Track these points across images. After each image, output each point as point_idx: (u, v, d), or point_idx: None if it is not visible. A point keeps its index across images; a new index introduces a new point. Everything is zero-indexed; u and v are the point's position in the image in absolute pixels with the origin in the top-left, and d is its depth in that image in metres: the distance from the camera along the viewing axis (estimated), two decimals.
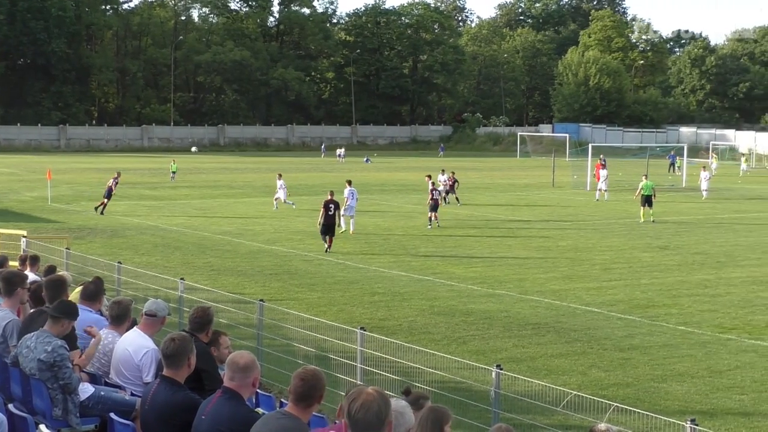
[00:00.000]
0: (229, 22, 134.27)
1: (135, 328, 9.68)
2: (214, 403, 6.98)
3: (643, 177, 42.29)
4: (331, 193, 31.27)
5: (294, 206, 42.88)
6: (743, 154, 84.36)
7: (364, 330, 13.67)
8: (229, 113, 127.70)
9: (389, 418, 5.03)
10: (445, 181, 45.75)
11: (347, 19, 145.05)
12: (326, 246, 29.64)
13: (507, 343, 17.89)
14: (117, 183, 41.61)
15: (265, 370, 13.37)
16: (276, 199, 43.45)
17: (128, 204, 44.51)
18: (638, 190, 41.15)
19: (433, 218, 36.91)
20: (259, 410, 8.80)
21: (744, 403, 14.35)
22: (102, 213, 39.51)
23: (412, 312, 20.56)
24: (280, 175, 45.16)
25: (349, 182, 36.77)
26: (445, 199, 43.84)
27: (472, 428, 11.61)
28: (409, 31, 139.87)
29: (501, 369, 11.74)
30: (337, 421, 6.03)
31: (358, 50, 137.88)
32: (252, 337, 15.43)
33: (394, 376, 13.09)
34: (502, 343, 17.89)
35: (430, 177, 41.78)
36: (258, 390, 8.80)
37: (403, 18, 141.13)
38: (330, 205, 30.03)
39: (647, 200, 40.19)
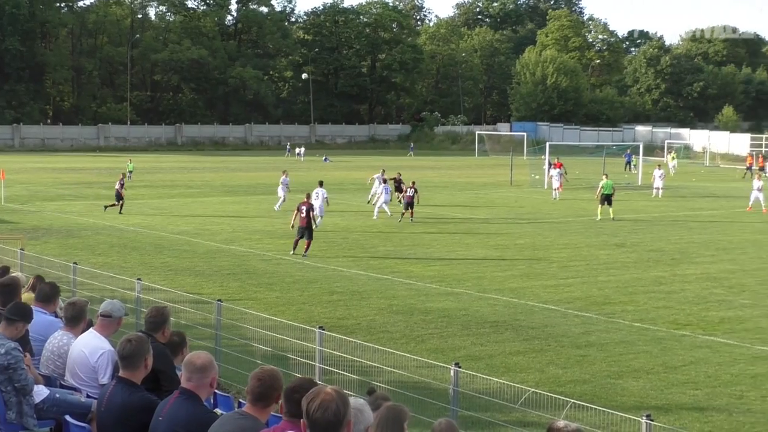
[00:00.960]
0: (186, 21, 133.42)
1: (91, 329, 9.58)
2: (172, 403, 6.94)
3: (604, 176, 42.75)
4: (308, 196, 30.46)
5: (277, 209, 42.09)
6: (674, 153, 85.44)
7: (323, 329, 13.68)
8: (187, 112, 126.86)
9: (348, 417, 5.03)
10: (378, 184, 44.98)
11: (305, 17, 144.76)
12: (293, 249, 28.91)
13: (465, 341, 17.96)
14: (123, 184, 40.93)
15: (223, 370, 13.34)
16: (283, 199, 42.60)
17: (84, 204, 44.12)
18: (599, 189, 41.58)
19: (405, 215, 38.43)
20: (217, 411, 8.77)
21: (698, 398, 14.53)
22: (120, 212, 39.45)
23: (371, 311, 20.58)
24: (285, 172, 44.76)
25: (321, 183, 37.02)
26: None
27: (430, 426, 11.63)
28: (367, 30, 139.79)
29: (459, 367, 11.80)
30: (281, 416, 6.02)
31: (317, 49, 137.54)
32: (210, 338, 15.37)
33: (353, 376, 13.10)
34: (460, 341, 17.97)
35: (384, 173, 42.28)
36: (216, 390, 8.77)
37: (361, 17, 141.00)
38: (302, 207, 29.39)
39: (607, 199, 40.69)
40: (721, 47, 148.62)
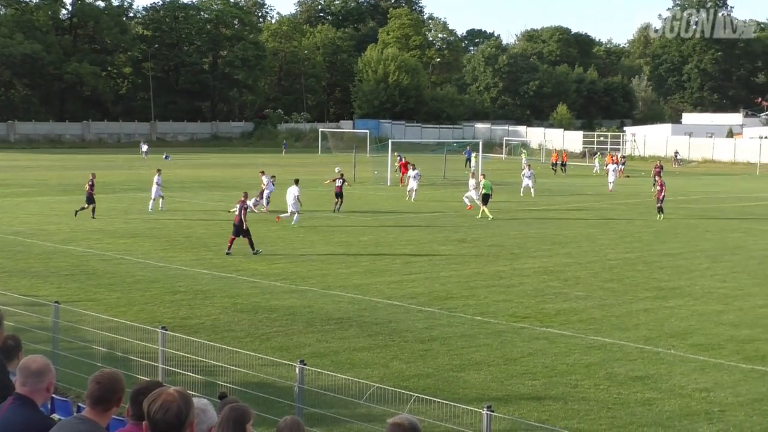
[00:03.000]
0: (18, 14, 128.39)
1: None
2: (6, 410, 6.71)
3: (482, 176, 43.41)
4: (245, 195, 30.13)
5: (150, 210, 40.44)
6: (524, 151, 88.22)
7: (166, 329, 13.47)
8: (20, 109, 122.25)
9: (191, 418, 4.98)
10: (266, 182, 44.56)
11: (144, 13, 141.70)
12: (228, 248, 28.56)
13: (310, 338, 18.00)
14: (92, 185, 38.35)
15: (62, 374, 12.95)
16: (156, 199, 40.87)
17: None
18: (480, 189, 41.72)
19: (338, 204, 41.66)
20: (55, 416, 8.54)
21: (536, 388, 15.00)
22: (93, 217, 37.29)
23: (215, 310, 20.37)
24: (159, 171, 43.35)
25: (296, 181, 37.44)
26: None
27: (276, 425, 11.61)
28: (208, 27, 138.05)
29: (304, 364, 11.83)
30: (127, 420, 5.92)
31: (156, 45, 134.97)
32: (47, 341, 14.90)
33: (197, 376, 12.97)
34: (305, 338, 17.99)
35: (263, 173, 43.30)
36: (53, 395, 8.52)
37: (202, 13, 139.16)
38: (237, 205, 29.17)
39: (485, 199, 40.93)
40: (554, 47, 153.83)
